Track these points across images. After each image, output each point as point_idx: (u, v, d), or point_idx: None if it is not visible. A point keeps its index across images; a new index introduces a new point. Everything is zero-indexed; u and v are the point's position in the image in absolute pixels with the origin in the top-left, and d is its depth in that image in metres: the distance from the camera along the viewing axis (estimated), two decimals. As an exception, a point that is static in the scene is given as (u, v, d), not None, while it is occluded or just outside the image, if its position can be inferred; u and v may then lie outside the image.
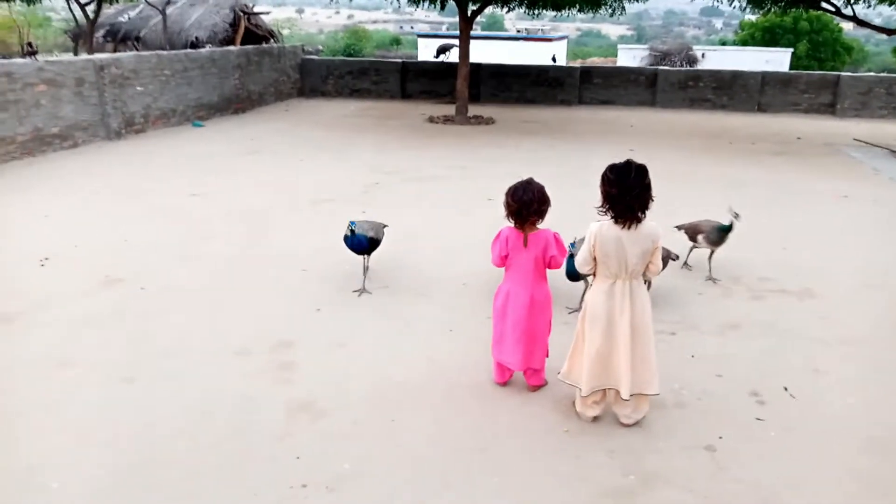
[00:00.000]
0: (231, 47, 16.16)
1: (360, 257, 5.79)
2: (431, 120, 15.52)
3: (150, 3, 17.89)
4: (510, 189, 3.89)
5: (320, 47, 42.41)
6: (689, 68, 22.36)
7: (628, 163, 3.47)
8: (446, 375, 4.43)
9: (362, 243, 5.51)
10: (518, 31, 38.13)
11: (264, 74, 17.06)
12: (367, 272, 5.84)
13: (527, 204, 3.80)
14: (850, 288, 6.13)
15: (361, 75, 18.95)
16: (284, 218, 7.84)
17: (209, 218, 7.73)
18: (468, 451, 3.67)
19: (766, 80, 17.64)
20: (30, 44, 21.15)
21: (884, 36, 15.32)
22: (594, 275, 3.70)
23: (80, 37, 20.35)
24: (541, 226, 3.98)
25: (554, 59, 26.02)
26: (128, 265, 6.24)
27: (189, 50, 14.90)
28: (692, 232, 6.17)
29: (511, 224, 3.96)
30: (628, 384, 3.65)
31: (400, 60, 19.80)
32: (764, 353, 4.85)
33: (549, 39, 32.61)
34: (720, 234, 5.90)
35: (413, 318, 5.31)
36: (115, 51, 20.65)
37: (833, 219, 8.31)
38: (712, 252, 6.16)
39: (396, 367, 4.54)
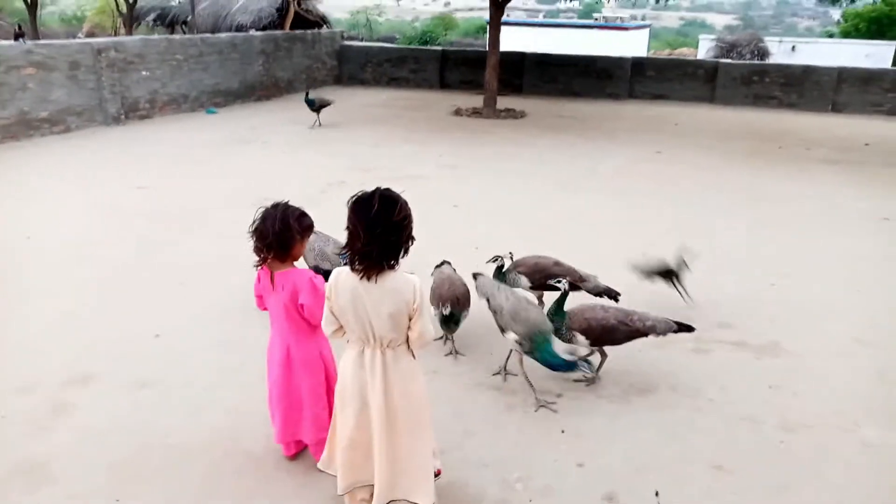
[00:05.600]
0: (254, 32, 15.72)
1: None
2: (458, 112, 14.56)
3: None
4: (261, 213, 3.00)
5: (398, 36, 41.85)
6: (754, 62, 20.16)
7: (373, 193, 2.50)
8: (234, 436, 3.59)
9: None
10: (595, 19, 36.19)
11: (294, 61, 16.54)
12: None
13: (262, 236, 2.89)
14: (833, 345, 4.82)
15: (400, 63, 18.15)
16: (209, 219, 7.16)
17: (135, 215, 7.17)
18: (180, 556, 2.84)
19: (843, 76, 15.54)
20: (19, 26, 21.72)
21: None
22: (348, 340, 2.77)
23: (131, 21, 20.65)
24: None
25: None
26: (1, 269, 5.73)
27: (207, 34, 14.55)
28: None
29: None
30: (384, 486, 2.70)
31: (440, 48, 18.83)
32: (662, 434, 3.72)
33: (626, 28, 30.60)
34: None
35: (260, 352, 4.48)
36: (171, 34, 20.85)
37: (858, 248, 6.82)
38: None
39: (185, 421, 3.73)
